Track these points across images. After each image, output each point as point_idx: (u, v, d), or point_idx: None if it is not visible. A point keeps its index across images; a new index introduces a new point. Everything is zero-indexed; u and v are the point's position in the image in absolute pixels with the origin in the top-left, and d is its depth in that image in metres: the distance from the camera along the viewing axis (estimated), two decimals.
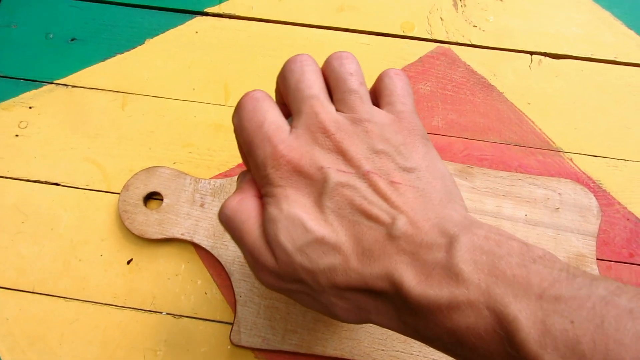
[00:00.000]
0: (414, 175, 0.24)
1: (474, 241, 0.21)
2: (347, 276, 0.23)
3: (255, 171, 0.25)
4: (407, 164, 0.24)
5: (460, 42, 0.46)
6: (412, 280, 0.21)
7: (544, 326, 0.19)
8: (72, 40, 0.46)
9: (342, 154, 0.24)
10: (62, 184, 0.42)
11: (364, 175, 0.24)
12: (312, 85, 0.26)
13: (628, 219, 0.40)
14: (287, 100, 0.26)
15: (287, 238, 0.23)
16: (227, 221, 0.26)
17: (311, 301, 0.25)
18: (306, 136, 0.25)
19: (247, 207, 0.25)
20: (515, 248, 0.21)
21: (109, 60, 0.45)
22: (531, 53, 0.45)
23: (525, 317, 0.19)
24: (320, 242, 0.23)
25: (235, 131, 0.27)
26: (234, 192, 0.27)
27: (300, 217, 0.23)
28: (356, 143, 0.24)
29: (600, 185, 0.41)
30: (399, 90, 0.27)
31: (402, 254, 0.22)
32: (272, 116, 0.25)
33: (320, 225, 0.23)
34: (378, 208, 0.23)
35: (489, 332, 0.20)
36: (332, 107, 0.25)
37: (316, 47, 0.46)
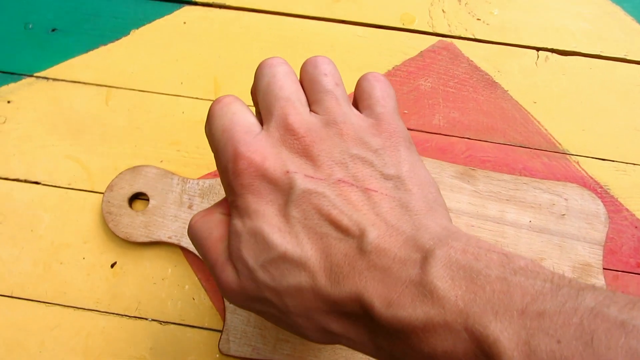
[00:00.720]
0: (391, 183, 0.23)
1: (451, 255, 0.19)
2: (313, 296, 0.21)
3: (221, 178, 0.24)
4: (385, 170, 0.23)
5: (463, 36, 0.44)
6: (383, 299, 0.20)
7: (528, 348, 0.17)
8: (53, 30, 0.44)
9: (311, 158, 0.22)
10: (43, 182, 0.39)
11: (335, 183, 0.22)
12: (283, 87, 0.24)
13: (636, 227, 0.38)
14: (258, 104, 0.25)
15: (249, 254, 0.22)
16: (192, 237, 0.25)
17: (279, 321, 0.23)
18: (273, 138, 0.23)
19: (210, 223, 0.24)
20: (495, 260, 0.19)
21: (91, 52, 0.43)
22: (537, 49, 0.43)
23: (507, 338, 0.17)
24: (284, 258, 0.21)
25: (208, 140, 0.25)
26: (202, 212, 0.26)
27: (262, 230, 0.22)
28: (328, 146, 0.23)
29: (608, 191, 0.39)
30: (378, 92, 0.25)
31: (373, 270, 0.20)
32: (240, 118, 0.23)
33: (284, 239, 0.21)
34: (348, 218, 0.21)
35: (469, 356, 0.18)
36: (305, 109, 0.24)
37: (310, 39, 0.43)
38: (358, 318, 0.21)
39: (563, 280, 0.18)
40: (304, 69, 0.25)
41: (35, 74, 0.42)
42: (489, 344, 0.17)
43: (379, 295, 0.20)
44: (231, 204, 0.23)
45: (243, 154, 0.22)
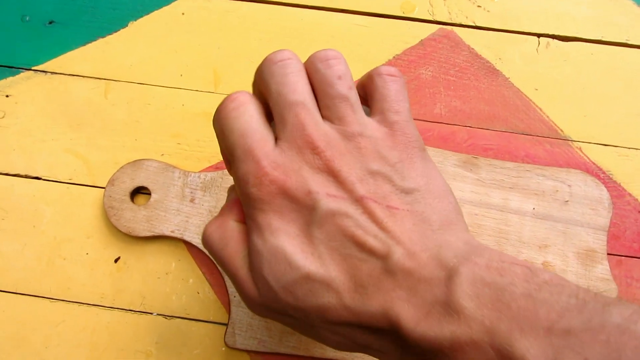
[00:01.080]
0: (412, 197, 0.22)
1: (475, 272, 0.19)
2: (340, 314, 0.21)
3: (237, 184, 0.23)
4: (405, 184, 0.22)
5: (463, 23, 0.43)
6: (410, 319, 0.20)
7: None
8: (51, 23, 0.43)
9: (333, 175, 0.22)
10: (44, 177, 0.39)
11: (358, 201, 0.21)
12: (296, 90, 0.23)
13: (639, 212, 0.38)
14: (269, 105, 0.24)
15: (270, 274, 0.21)
16: (208, 247, 0.24)
17: (304, 332, 0.23)
18: (292, 152, 0.22)
19: (225, 233, 0.24)
20: (519, 274, 0.19)
21: (90, 44, 0.42)
22: (538, 35, 0.43)
23: (534, 355, 0.17)
24: (308, 279, 0.21)
25: (217, 137, 0.24)
26: (217, 215, 0.25)
27: (285, 250, 0.21)
28: (349, 162, 0.22)
29: (611, 176, 0.39)
30: (393, 95, 0.24)
31: (399, 290, 0.20)
32: (257, 125, 0.23)
33: (308, 260, 0.21)
34: (373, 238, 0.21)
35: None
36: (319, 116, 0.23)
37: (310, 29, 0.43)
38: (385, 333, 0.21)
39: (588, 295, 0.18)
40: (313, 65, 0.24)
41: (34, 68, 0.42)
42: None
43: (406, 314, 0.20)
44: (249, 216, 0.23)
45: (266, 169, 0.22)
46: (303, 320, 0.22)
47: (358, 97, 0.24)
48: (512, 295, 0.19)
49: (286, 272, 0.21)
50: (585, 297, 0.18)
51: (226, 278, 0.36)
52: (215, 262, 0.25)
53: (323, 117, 0.23)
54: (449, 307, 0.19)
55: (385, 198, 0.22)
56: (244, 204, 0.23)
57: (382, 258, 0.21)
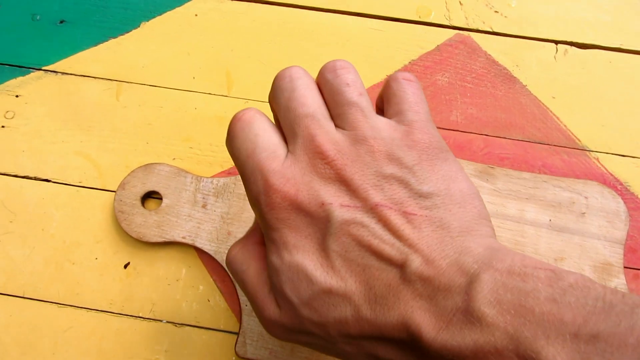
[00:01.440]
0: (430, 202, 0.21)
1: (496, 278, 0.19)
2: (359, 326, 0.21)
3: (252, 206, 0.23)
4: (422, 187, 0.21)
5: (480, 29, 0.43)
6: (430, 329, 0.19)
7: None
8: (61, 22, 0.42)
9: (345, 184, 0.21)
10: (53, 180, 0.39)
11: (373, 209, 0.21)
12: (305, 103, 0.22)
13: None
14: (280, 123, 0.23)
15: (292, 291, 0.21)
16: (230, 270, 0.25)
17: (325, 349, 0.23)
18: (302, 164, 0.22)
19: (247, 255, 0.24)
20: (543, 278, 0.18)
21: (101, 45, 0.42)
22: (556, 42, 0.42)
23: None
24: (328, 294, 0.21)
25: (232, 159, 0.24)
26: (241, 237, 0.26)
27: (303, 266, 0.21)
28: (361, 168, 0.21)
29: (628, 188, 0.39)
30: (410, 97, 0.23)
31: (419, 299, 0.20)
32: (264, 140, 0.22)
33: (326, 274, 0.21)
34: (390, 247, 0.20)
35: None
36: (331, 126, 0.22)
37: (324, 32, 0.42)
38: (405, 344, 0.20)
39: (616, 297, 0.18)
40: (322, 77, 0.24)
41: (44, 68, 0.41)
42: None
43: (426, 324, 0.19)
44: (266, 236, 0.22)
45: (275, 186, 0.21)
46: (323, 337, 0.22)
47: (370, 103, 0.23)
48: (536, 300, 0.18)
49: (307, 287, 0.21)
50: (613, 300, 0.18)
51: (237, 286, 0.35)
52: (237, 285, 0.25)
53: (337, 127, 0.23)
54: (470, 314, 0.18)
55: (401, 204, 0.21)
56: (260, 224, 0.23)
57: (400, 267, 0.20)
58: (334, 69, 0.23)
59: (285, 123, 0.23)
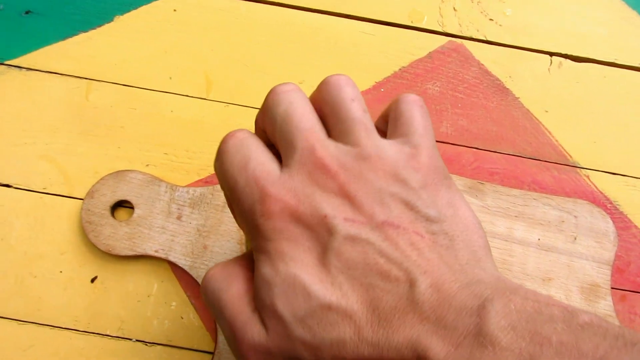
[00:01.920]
0: (437, 227, 0.20)
1: (510, 305, 0.18)
2: (358, 351, 0.19)
3: (243, 222, 0.21)
4: (429, 211, 0.21)
5: (474, 37, 0.41)
6: (439, 352, 0.18)
7: None
8: (27, 13, 0.39)
9: (349, 198, 0.20)
10: (14, 185, 0.36)
11: (379, 226, 0.20)
12: (304, 116, 0.21)
13: None
14: (273, 139, 0.22)
15: (285, 306, 0.19)
16: (207, 291, 0.22)
17: None
18: (302, 176, 0.20)
19: (229, 274, 0.22)
20: (557, 314, 0.18)
21: (70, 39, 0.39)
22: (551, 54, 0.41)
23: None
24: (327, 310, 0.19)
25: (218, 177, 0.22)
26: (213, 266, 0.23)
27: (300, 279, 0.19)
28: (365, 185, 0.20)
29: (617, 207, 0.38)
30: (419, 119, 0.23)
31: (426, 322, 0.18)
32: (259, 155, 0.21)
33: (326, 290, 0.19)
34: (397, 268, 0.19)
35: None
36: (330, 141, 0.21)
37: (313, 34, 0.40)
38: None
39: (636, 337, 0.17)
40: (324, 90, 0.22)
41: (7, 62, 0.38)
42: None
43: (435, 347, 0.18)
44: (258, 249, 0.21)
45: (274, 194, 0.20)
46: None
47: (372, 121, 0.22)
48: (552, 330, 0.17)
49: (304, 302, 0.19)
50: (633, 339, 0.17)
51: None
52: (211, 309, 0.22)
53: (338, 142, 0.22)
54: (482, 337, 0.17)
55: (409, 224, 0.20)
56: (252, 239, 0.21)
57: (407, 288, 0.19)
58: (337, 85, 0.22)
59: (282, 137, 0.22)
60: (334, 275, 0.19)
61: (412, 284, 0.19)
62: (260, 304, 0.20)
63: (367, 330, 0.19)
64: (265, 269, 0.20)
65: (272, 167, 0.21)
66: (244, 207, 0.21)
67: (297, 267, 0.20)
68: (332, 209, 0.20)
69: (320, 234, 0.20)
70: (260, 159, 0.21)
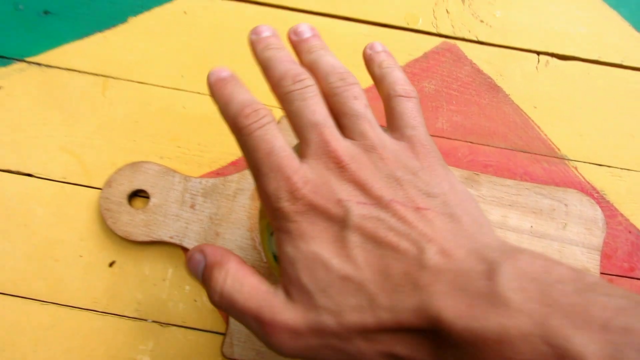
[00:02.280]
0: (439, 200, 0.23)
1: (518, 267, 0.19)
2: (376, 316, 0.21)
3: (266, 200, 0.23)
4: (429, 189, 0.23)
5: (466, 37, 0.44)
6: (452, 312, 0.19)
7: None
8: (45, 13, 0.41)
9: (360, 184, 0.23)
10: (36, 175, 0.38)
11: (387, 205, 0.22)
12: (316, 111, 0.24)
13: (630, 232, 0.39)
14: (290, 122, 0.25)
15: (308, 278, 0.22)
16: (221, 303, 0.23)
17: (336, 355, 0.23)
18: (319, 167, 0.23)
19: (237, 277, 0.23)
20: (566, 274, 0.19)
21: (87, 38, 0.41)
22: (538, 53, 0.44)
23: (592, 352, 0.16)
24: (345, 281, 0.21)
25: (239, 142, 0.24)
26: (212, 274, 0.24)
27: (320, 255, 0.22)
28: (373, 172, 0.23)
29: (604, 196, 0.40)
30: (409, 112, 0.26)
31: (437, 284, 0.20)
32: (281, 141, 0.24)
33: (343, 263, 0.21)
34: (406, 239, 0.21)
35: None
36: (339, 134, 0.24)
37: None
38: (424, 335, 0.20)
39: None
40: (330, 83, 0.25)
41: (27, 59, 0.40)
42: (573, 357, 0.17)
43: (447, 308, 0.19)
44: (280, 229, 0.23)
45: (296, 184, 0.22)
46: (338, 333, 0.21)
47: (373, 115, 0.25)
48: (561, 292, 0.18)
49: (324, 275, 0.21)
50: (639, 299, 0.18)
51: None
52: (230, 313, 0.24)
53: (344, 136, 0.24)
54: (494, 298, 0.18)
55: (413, 201, 0.22)
56: (273, 217, 0.23)
57: (417, 256, 0.21)
58: (343, 80, 0.25)
59: (297, 127, 0.24)
60: (349, 250, 0.22)
61: (420, 251, 0.21)
62: (287, 279, 0.22)
63: (382, 297, 0.21)
64: (288, 248, 0.22)
65: (293, 156, 0.23)
66: (268, 190, 0.23)
67: (317, 245, 0.22)
68: (346, 194, 0.22)
69: (336, 215, 0.22)
70: (283, 147, 0.23)
